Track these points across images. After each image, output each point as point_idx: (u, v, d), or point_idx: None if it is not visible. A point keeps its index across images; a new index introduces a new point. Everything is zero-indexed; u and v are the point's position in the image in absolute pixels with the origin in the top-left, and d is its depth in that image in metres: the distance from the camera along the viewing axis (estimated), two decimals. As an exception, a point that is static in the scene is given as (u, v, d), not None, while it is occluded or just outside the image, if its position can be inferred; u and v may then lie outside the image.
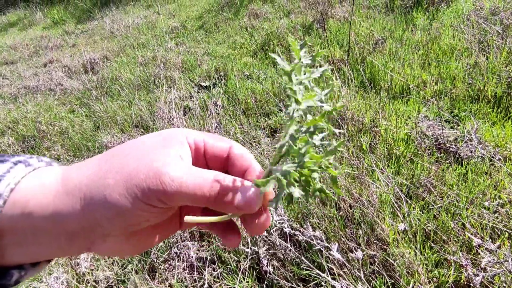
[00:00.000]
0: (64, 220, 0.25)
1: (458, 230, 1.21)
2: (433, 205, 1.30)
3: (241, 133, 2.10)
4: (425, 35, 2.67)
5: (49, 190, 0.25)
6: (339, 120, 1.81)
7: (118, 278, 1.38)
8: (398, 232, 1.20)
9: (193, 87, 2.91)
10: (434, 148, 1.61)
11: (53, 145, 2.55)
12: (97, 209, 0.25)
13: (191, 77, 3.10)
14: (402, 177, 1.46)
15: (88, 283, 1.40)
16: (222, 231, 0.33)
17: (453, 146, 1.58)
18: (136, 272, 1.37)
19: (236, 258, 1.26)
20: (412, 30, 2.84)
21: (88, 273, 1.42)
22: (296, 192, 0.26)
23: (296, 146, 0.26)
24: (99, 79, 3.54)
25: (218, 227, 0.33)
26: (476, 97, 1.93)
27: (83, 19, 6.65)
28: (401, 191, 1.38)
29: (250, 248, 1.24)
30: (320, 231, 1.17)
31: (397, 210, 1.25)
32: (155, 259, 1.33)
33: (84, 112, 2.97)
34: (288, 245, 1.21)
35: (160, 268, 1.32)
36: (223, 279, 1.22)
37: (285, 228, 1.21)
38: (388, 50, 2.55)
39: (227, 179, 0.27)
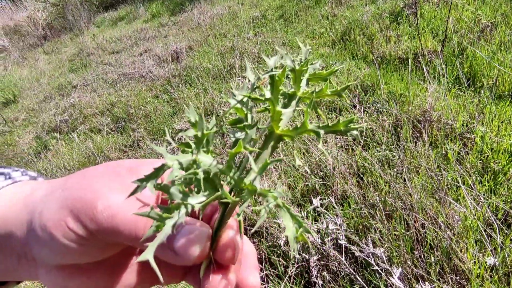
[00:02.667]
0: (11, 236, 0.23)
1: None
2: (540, 240, 1.01)
3: (308, 129, 1.99)
4: (555, 20, 2.11)
5: (14, 205, 0.24)
6: (421, 122, 1.55)
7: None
8: (484, 267, 0.97)
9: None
10: (551, 165, 1.26)
11: (138, 127, 2.83)
12: (31, 229, 0.22)
13: (266, 68, 3.07)
14: (500, 199, 1.18)
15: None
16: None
17: None
18: None
19: (284, 263, 1.19)
20: (537, 14, 2.27)
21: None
22: None
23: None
24: (181, 68, 3.79)
25: (193, 274, 0.27)
26: None
27: (176, 12, 7.20)
28: (496, 216, 1.12)
29: (300, 255, 1.16)
30: (382, 250, 1.02)
31: (487, 240, 1.01)
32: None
33: (165, 98, 3.23)
34: (343, 258, 1.09)
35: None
36: (269, 281, 1.18)
37: (341, 240, 1.09)
38: (498, 39, 2.09)
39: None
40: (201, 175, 0.20)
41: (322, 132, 0.22)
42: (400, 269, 0.92)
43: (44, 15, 10.54)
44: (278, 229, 1.26)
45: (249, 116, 0.24)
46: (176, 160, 0.19)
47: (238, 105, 0.24)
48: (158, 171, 0.19)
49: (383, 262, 0.97)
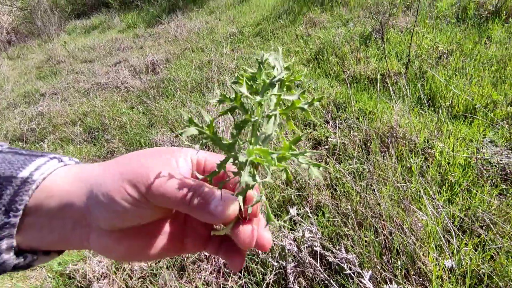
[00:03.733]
0: (72, 205, 0.28)
1: (520, 278, 1.04)
2: (490, 245, 1.14)
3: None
4: (501, 50, 2.39)
5: (68, 181, 0.29)
6: (388, 137, 1.69)
7: (151, 271, 1.44)
8: (443, 269, 1.07)
9: (242, 93, 2.96)
10: (498, 178, 1.42)
11: (112, 138, 2.79)
12: (92, 196, 0.28)
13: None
14: (456, 208, 1.31)
15: (125, 271, 1.49)
16: (227, 253, 0.33)
17: (523, 179, 1.37)
18: (167, 268, 1.42)
19: (262, 270, 1.23)
20: (486, 44, 2.55)
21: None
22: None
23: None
24: (158, 80, 3.79)
25: (224, 249, 0.33)
26: (559, 123, 1.67)
27: (152, 24, 7.19)
28: (453, 223, 1.24)
29: (278, 262, 1.21)
30: (354, 255, 1.10)
31: (445, 244, 1.11)
32: (185, 259, 1.37)
33: (141, 109, 3.21)
34: (318, 264, 1.15)
35: (189, 267, 1.35)
36: (247, 289, 1.21)
37: (316, 246, 1.15)
38: (453, 65, 2.33)
39: (206, 188, 0.28)
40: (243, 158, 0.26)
41: (277, 113, 0.27)
42: (370, 272, 1.00)
43: (10, 19, 10.07)
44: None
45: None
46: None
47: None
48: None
49: (355, 266, 1.04)
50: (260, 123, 0.28)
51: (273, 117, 0.28)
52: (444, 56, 2.45)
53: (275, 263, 1.20)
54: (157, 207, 0.29)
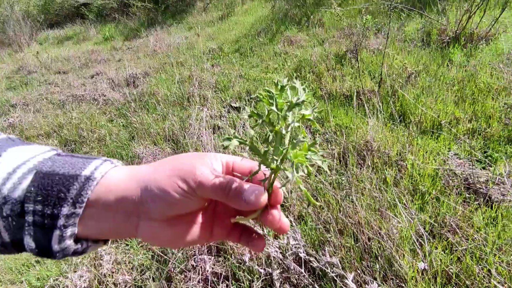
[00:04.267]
0: (126, 199, 0.33)
1: (484, 276, 1.15)
2: (457, 247, 1.25)
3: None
4: (461, 72, 2.63)
5: (123, 178, 0.35)
6: (364, 150, 1.81)
7: (136, 283, 1.43)
8: (417, 270, 1.16)
9: (224, 107, 3.03)
10: (462, 187, 1.56)
11: (91, 150, 2.73)
12: (148, 190, 0.33)
13: (223, 97, 3.23)
14: (426, 215, 1.42)
15: (107, 285, 1.46)
16: (249, 239, 0.39)
17: (484, 188, 1.52)
18: (154, 280, 1.42)
19: (250, 278, 1.27)
20: (448, 66, 2.80)
21: (109, 275, 1.49)
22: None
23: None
24: (139, 93, 3.78)
25: (245, 236, 0.39)
26: (512, 138, 1.86)
27: (130, 37, 7.16)
28: (424, 229, 1.35)
29: (264, 269, 1.25)
30: (336, 259, 1.17)
31: (418, 248, 1.21)
32: (172, 269, 1.38)
33: (121, 122, 3.18)
34: (302, 270, 1.21)
35: (176, 278, 1.36)
36: (235, 297, 1.24)
37: (301, 253, 1.21)
38: (421, 84, 2.53)
39: (239, 182, 0.35)
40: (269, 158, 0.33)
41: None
42: (352, 273, 1.07)
43: (-23, 28, 9.65)
44: (243, 247, 1.34)
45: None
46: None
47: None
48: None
49: (338, 268, 1.11)
50: (283, 134, 0.34)
51: (297, 128, 0.34)
52: (413, 76, 2.66)
53: (262, 270, 1.24)
54: (201, 198, 0.34)
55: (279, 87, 0.35)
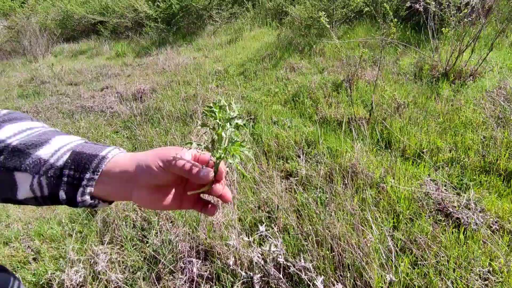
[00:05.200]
0: (126, 172, 0.49)
1: (446, 291, 1.26)
2: (423, 262, 1.36)
3: (258, 172, 2.29)
4: (447, 105, 2.81)
5: (125, 159, 0.50)
6: (349, 172, 1.95)
7: (127, 281, 1.54)
8: (384, 281, 1.27)
9: (224, 125, 3.20)
10: (435, 210, 1.69)
11: (95, 158, 2.89)
12: (139, 166, 0.49)
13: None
14: (400, 233, 1.54)
15: (101, 282, 1.57)
16: (203, 207, 0.55)
17: (455, 211, 1.64)
18: (144, 279, 1.53)
19: (232, 280, 1.38)
20: (435, 99, 2.99)
21: (103, 273, 1.60)
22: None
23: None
24: (145, 107, 3.98)
25: (199, 204, 0.55)
26: (487, 169, 2.00)
27: (141, 54, 7.49)
28: (396, 245, 1.47)
29: (246, 273, 1.36)
30: (310, 264, 1.28)
31: (384, 259, 1.33)
32: (162, 269, 1.49)
33: (126, 134, 3.35)
34: (281, 275, 1.32)
35: (164, 278, 1.47)
36: (217, 297, 1.34)
37: (280, 258, 1.33)
38: (408, 114, 2.70)
39: (198, 166, 0.50)
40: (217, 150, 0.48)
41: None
42: (322, 277, 1.18)
43: (-5, 37, 10.10)
44: (228, 251, 1.46)
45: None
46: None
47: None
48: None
49: (310, 272, 1.22)
50: (223, 137, 0.50)
51: (233, 132, 0.50)
52: (402, 106, 2.84)
53: (244, 273, 1.35)
54: (172, 173, 0.49)
55: (217, 106, 0.51)
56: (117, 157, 0.50)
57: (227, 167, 0.56)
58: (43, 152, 0.47)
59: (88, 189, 0.47)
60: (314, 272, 1.24)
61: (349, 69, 3.94)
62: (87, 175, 0.46)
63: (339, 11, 5.66)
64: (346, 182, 1.86)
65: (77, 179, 0.46)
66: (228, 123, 0.50)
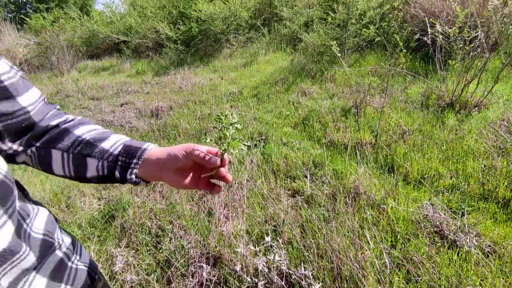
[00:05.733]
0: (159, 159, 0.66)
1: (437, 307, 1.34)
2: (416, 279, 1.45)
3: (267, 189, 2.42)
4: (451, 134, 2.92)
5: (159, 151, 0.67)
6: (352, 193, 2.07)
7: (141, 282, 1.67)
8: (379, 294, 1.37)
9: (236, 144, 3.38)
10: (432, 232, 1.78)
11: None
12: (169, 155, 0.65)
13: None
14: (397, 251, 1.64)
15: (117, 281, 1.71)
16: (210, 188, 0.71)
17: (451, 234, 1.73)
18: (157, 281, 1.66)
19: (238, 285, 1.49)
20: (440, 128, 3.11)
21: (119, 273, 1.74)
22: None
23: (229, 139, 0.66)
24: (162, 124, 4.21)
25: (210, 185, 0.71)
26: (486, 196, 2.09)
27: (160, 73, 7.87)
28: (393, 262, 1.56)
29: (251, 279, 1.48)
30: (309, 272, 1.39)
31: (378, 272, 1.43)
32: (174, 272, 1.62)
33: (144, 148, 3.56)
34: (283, 283, 1.43)
35: (176, 280, 1.59)
36: (224, 300, 1.46)
37: (283, 267, 1.44)
38: (413, 141, 2.83)
39: (209, 155, 0.65)
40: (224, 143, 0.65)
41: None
42: (320, 284, 1.29)
43: (25, 51, 10.76)
44: (235, 258, 1.58)
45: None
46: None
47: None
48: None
49: (309, 279, 1.33)
50: (227, 135, 0.67)
51: (233, 133, 0.67)
52: (407, 133, 2.97)
53: (249, 279, 1.47)
54: (192, 160, 0.65)
55: (224, 115, 0.68)
56: (154, 149, 0.68)
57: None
58: (105, 145, 0.65)
59: (135, 170, 0.65)
60: (313, 280, 1.35)
61: (358, 96, 4.11)
62: (134, 161, 0.64)
63: (351, 40, 5.91)
64: (348, 201, 1.98)
65: (127, 163, 0.64)
66: (231, 126, 0.67)
